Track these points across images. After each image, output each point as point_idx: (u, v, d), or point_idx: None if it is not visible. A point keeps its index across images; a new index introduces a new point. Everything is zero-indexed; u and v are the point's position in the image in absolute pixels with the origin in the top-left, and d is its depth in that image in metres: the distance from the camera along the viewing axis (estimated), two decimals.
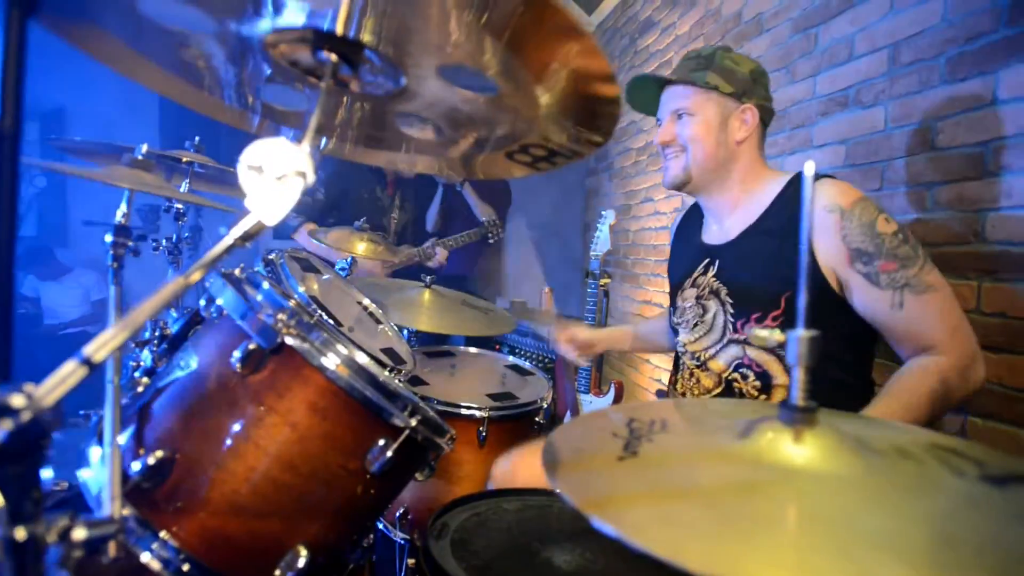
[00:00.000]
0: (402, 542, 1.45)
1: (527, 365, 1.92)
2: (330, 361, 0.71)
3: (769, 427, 0.48)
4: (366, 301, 1.59)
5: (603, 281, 2.38)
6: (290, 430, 0.70)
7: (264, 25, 0.55)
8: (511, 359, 1.94)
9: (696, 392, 1.25)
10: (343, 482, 0.74)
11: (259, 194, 0.52)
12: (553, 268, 4.21)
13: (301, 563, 0.70)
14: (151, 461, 0.69)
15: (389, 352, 1.40)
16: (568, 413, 2.34)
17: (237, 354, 0.70)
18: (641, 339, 1.66)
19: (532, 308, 3.26)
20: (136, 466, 0.70)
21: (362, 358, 0.76)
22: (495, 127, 0.60)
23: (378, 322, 1.56)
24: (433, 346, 2.05)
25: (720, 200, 1.25)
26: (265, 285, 0.78)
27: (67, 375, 0.49)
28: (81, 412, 1.31)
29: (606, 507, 0.40)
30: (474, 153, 0.68)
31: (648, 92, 1.28)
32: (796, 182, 1.15)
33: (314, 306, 1.27)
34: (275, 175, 0.51)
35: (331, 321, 1.27)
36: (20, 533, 0.47)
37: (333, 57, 0.53)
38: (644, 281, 3.03)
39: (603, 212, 2.37)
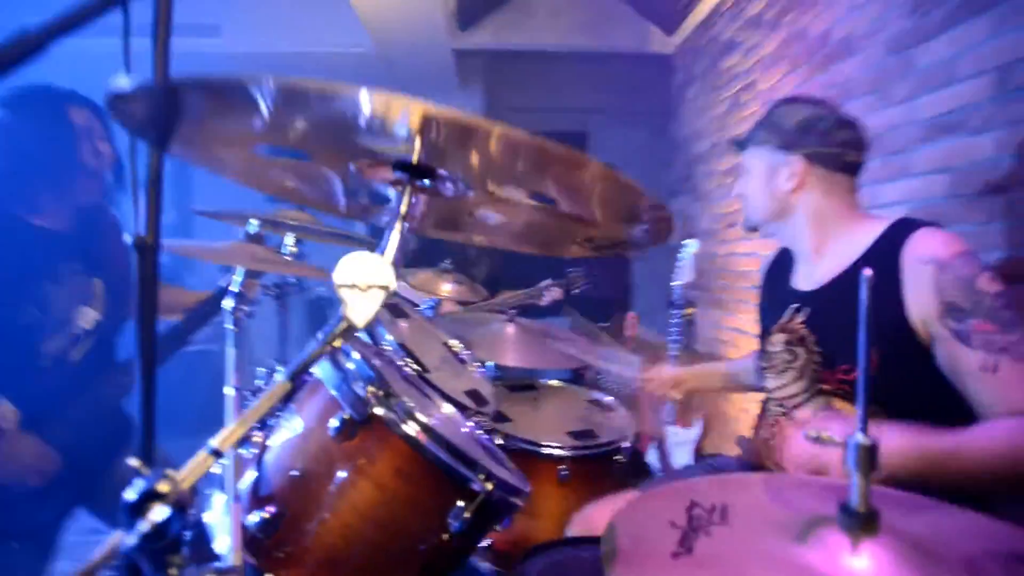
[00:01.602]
0: (487, 572, 1.52)
1: (609, 400, 1.93)
2: (412, 429, 0.78)
3: (827, 532, 0.49)
4: (451, 341, 1.68)
5: (687, 311, 2.35)
6: (379, 493, 0.78)
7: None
8: (593, 393, 1.96)
9: (779, 442, 1.22)
10: (427, 540, 0.80)
11: (351, 302, 0.59)
12: (640, 290, 4.18)
13: None
14: (265, 516, 0.79)
15: (473, 394, 1.47)
16: (652, 446, 2.32)
17: (333, 423, 0.79)
18: (733, 379, 1.64)
19: (595, 330, 3.21)
20: (253, 518, 0.80)
21: (442, 425, 0.83)
22: (557, 225, 0.65)
23: (462, 362, 1.64)
24: (516, 379, 2.11)
25: (801, 246, 1.24)
26: (356, 355, 0.87)
27: (200, 464, 0.59)
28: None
29: None
30: (539, 238, 0.74)
31: None
32: (892, 234, 1.09)
33: (402, 352, 1.36)
34: (364, 286, 0.59)
35: (417, 366, 1.36)
36: None
37: (407, 181, 0.60)
38: (733, 307, 2.94)
39: (685, 241, 2.34)
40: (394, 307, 1.62)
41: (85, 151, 1.51)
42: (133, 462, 0.61)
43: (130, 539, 0.57)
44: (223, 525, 0.85)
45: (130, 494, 0.58)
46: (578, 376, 2.83)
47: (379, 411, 0.79)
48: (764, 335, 1.33)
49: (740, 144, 1.30)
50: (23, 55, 0.59)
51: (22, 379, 1.46)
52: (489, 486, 0.80)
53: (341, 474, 0.79)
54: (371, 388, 0.80)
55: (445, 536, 0.80)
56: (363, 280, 0.58)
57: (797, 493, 0.63)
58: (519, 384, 2.04)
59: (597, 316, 3.85)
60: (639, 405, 2.54)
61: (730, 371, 1.64)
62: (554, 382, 2.06)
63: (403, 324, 1.60)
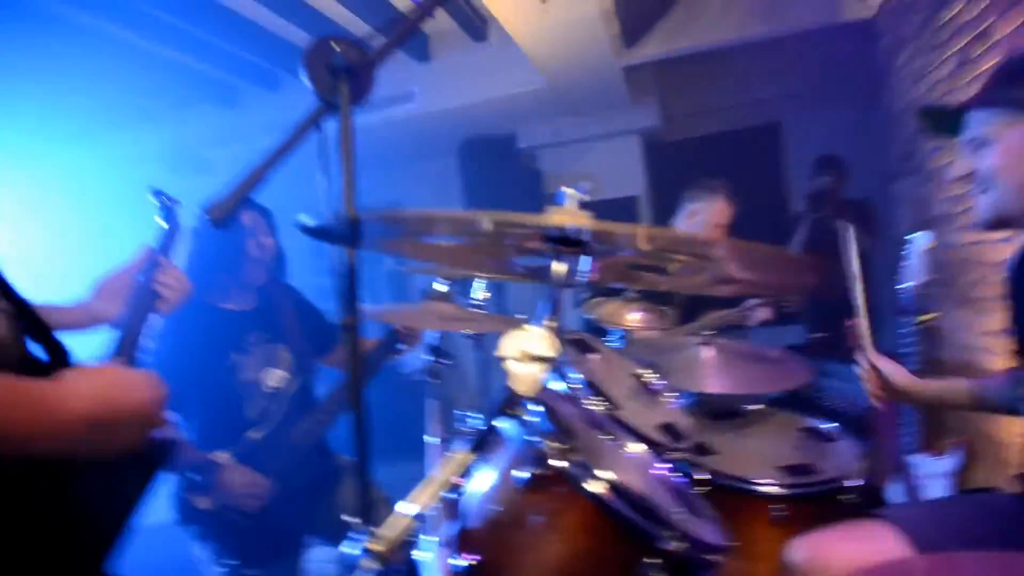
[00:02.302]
0: None
1: (828, 427, 1.71)
2: (596, 486, 0.78)
3: None
4: (642, 371, 1.64)
5: (923, 318, 1.99)
6: (567, 547, 0.80)
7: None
8: (807, 420, 1.76)
9: None
10: None
11: (516, 373, 0.63)
12: (875, 293, 3.64)
13: None
14: (467, 564, 0.86)
15: (667, 428, 1.42)
16: (894, 480, 1.99)
17: (520, 476, 0.83)
18: (983, 403, 1.33)
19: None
20: (457, 563, 0.87)
21: (629, 475, 0.82)
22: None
23: (655, 393, 1.59)
24: (719, 406, 1.98)
25: None
26: (537, 407, 0.90)
27: (405, 524, 0.66)
28: None
29: None
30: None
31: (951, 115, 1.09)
32: None
33: (590, 390, 1.37)
34: (530, 356, 0.62)
35: (605, 403, 1.35)
36: None
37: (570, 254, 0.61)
38: (988, 307, 2.42)
39: (911, 236, 2.00)
40: (581, 342, 1.64)
41: (251, 245, 1.87)
42: (349, 518, 0.72)
43: None
44: (432, 566, 0.93)
45: (349, 550, 0.68)
46: (792, 398, 2.56)
47: (561, 465, 0.81)
48: None
49: (978, 108, 1.03)
50: (252, 187, 0.74)
51: (234, 436, 1.80)
52: (679, 545, 0.76)
53: (532, 526, 0.83)
54: (552, 443, 0.82)
55: None
56: (527, 352, 0.61)
57: None
58: (722, 411, 1.91)
59: (820, 326, 3.44)
60: (873, 429, 2.20)
61: (978, 394, 1.33)
62: (762, 407, 1.89)
63: (592, 359, 1.61)
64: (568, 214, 0.57)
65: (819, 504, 1.42)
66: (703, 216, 2.65)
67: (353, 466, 2.11)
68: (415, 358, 2.01)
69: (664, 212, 3.09)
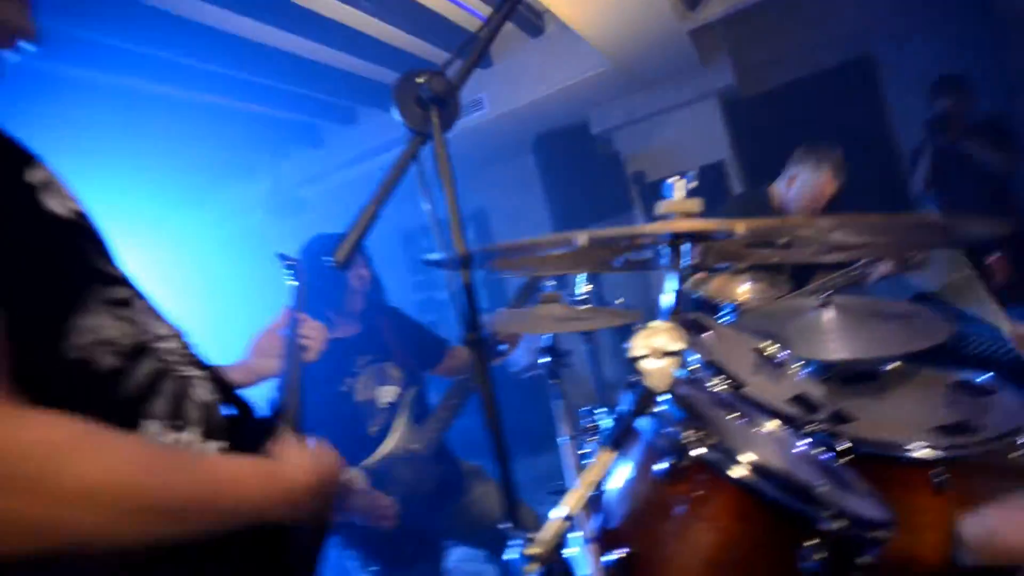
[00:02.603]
0: None
1: (983, 379, 1.56)
2: (739, 471, 0.77)
3: None
4: (761, 344, 1.57)
5: None
6: (717, 535, 0.79)
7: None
8: (957, 374, 1.61)
9: None
10: None
11: (649, 371, 0.63)
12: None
13: None
14: (616, 557, 0.87)
15: (800, 400, 1.35)
16: None
17: (658, 467, 0.83)
18: None
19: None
20: (606, 559, 0.89)
21: (772, 454, 0.79)
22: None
23: (780, 365, 1.52)
24: (848, 367, 1.85)
25: None
26: (668, 397, 0.89)
27: (557, 528, 0.69)
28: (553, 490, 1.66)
29: None
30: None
31: None
32: None
33: (711, 370, 1.33)
34: (661, 352, 0.62)
35: (729, 382, 1.31)
36: None
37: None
38: None
39: None
40: (694, 323, 1.60)
41: (353, 278, 2.02)
42: (507, 525, 0.75)
43: None
44: (585, 563, 0.95)
45: (510, 554, 0.71)
46: (933, 351, 2.34)
47: (697, 453, 0.80)
48: None
49: None
50: (367, 227, 0.79)
51: (362, 454, 1.90)
52: (838, 524, 0.73)
53: (678, 517, 0.82)
54: (686, 431, 0.81)
55: None
56: (657, 348, 0.61)
57: None
58: (854, 373, 1.79)
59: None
60: None
61: None
62: (899, 365, 1.74)
63: (707, 338, 1.57)
64: (677, 205, 0.57)
65: (986, 465, 1.30)
66: (805, 186, 2.51)
67: (476, 471, 2.18)
68: (518, 358, 2.05)
69: (755, 172, 2.94)
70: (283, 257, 1.26)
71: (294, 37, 3.08)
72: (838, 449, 1.37)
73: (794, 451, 1.01)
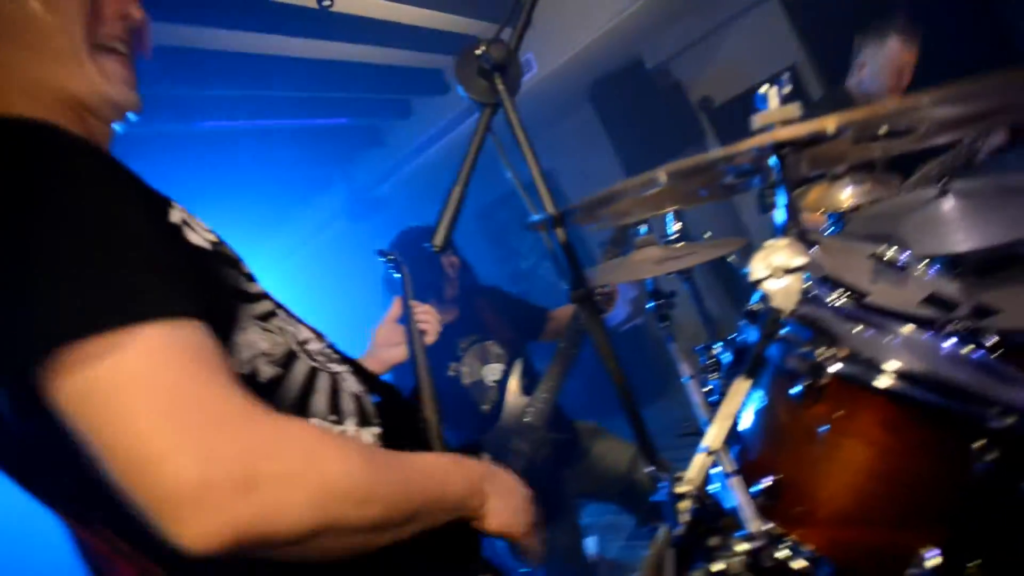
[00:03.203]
0: None
1: None
2: (885, 380, 0.73)
3: None
4: (880, 248, 1.46)
5: None
6: (870, 448, 0.75)
7: None
8: None
9: None
10: (948, 489, 0.73)
11: (774, 292, 0.61)
12: None
13: (928, 565, 0.73)
14: (763, 486, 0.85)
15: (932, 300, 1.26)
16: None
17: (794, 390, 0.80)
18: None
19: None
20: (753, 490, 0.88)
21: (916, 359, 0.75)
22: None
23: (902, 268, 1.41)
24: (981, 256, 1.69)
25: None
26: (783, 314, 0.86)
27: (702, 464, 0.69)
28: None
29: None
30: None
31: None
32: None
33: (828, 286, 1.26)
34: (783, 270, 0.59)
35: (850, 294, 1.23)
36: (717, 566, 0.69)
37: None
38: None
39: None
40: (800, 238, 1.51)
41: (445, 265, 2.09)
42: (650, 470, 0.76)
43: (675, 533, 0.70)
44: (732, 496, 0.95)
45: (659, 496, 0.72)
46: None
47: (836, 370, 0.77)
48: None
49: None
50: (457, 209, 0.81)
51: (477, 434, 1.97)
52: (1008, 420, 0.68)
53: (823, 437, 0.79)
54: (816, 349, 0.78)
55: (972, 483, 0.71)
56: (777, 267, 0.58)
57: None
58: (991, 263, 1.62)
59: None
60: None
61: None
62: None
63: (817, 253, 1.48)
64: (775, 115, 0.53)
65: None
66: (877, 67, 2.28)
67: (593, 429, 2.18)
68: (616, 313, 2.03)
69: (836, 70, 2.71)
70: (383, 253, 1.32)
71: (337, 44, 3.16)
72: (987, 345, 1.26)
73: (940, 353, 0.94)
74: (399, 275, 1.26)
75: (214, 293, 0.66)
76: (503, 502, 0.77)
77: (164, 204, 0.67)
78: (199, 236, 0.69)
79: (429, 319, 1.27)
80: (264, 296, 0.76)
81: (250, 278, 0.75)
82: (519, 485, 0.84)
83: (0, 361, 0.52)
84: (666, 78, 4.63)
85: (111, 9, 0.69)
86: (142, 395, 0.49)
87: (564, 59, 3.87)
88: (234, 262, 0.73)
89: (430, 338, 1.26)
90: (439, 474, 0.71)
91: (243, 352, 0.66)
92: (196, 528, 0.48)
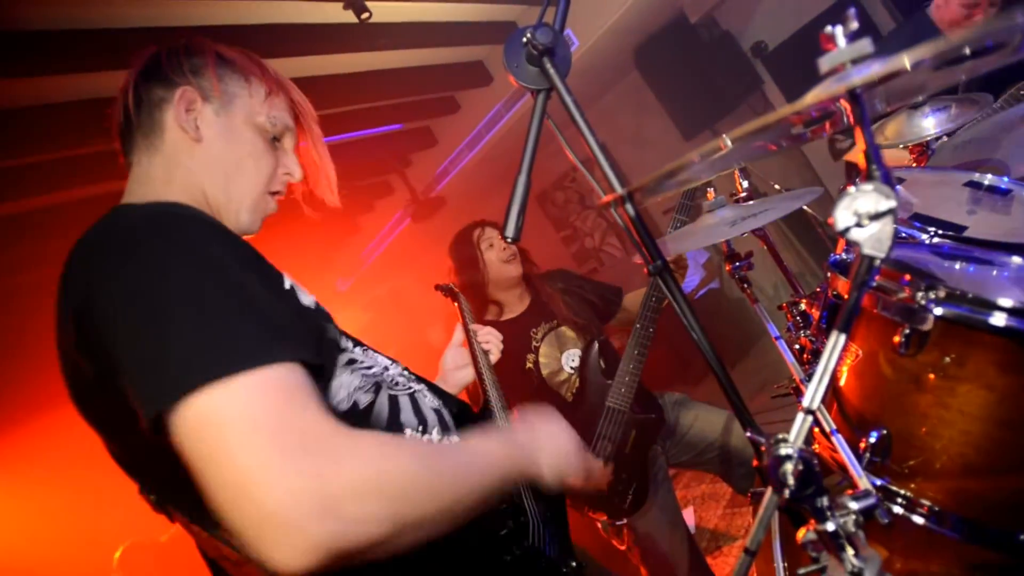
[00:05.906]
0: None
1: None
2: (999, 319, 0.68)
3: None
4: (975, 176, 1.36)
5: None
6: (988, 392, 0.71)
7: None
8: None
9: None
10: None
11: (863, 240, 0.58)
12: None
13: None
14: (871, 440, 0.82)
15: None
16: None
17: (897, 339, 0.76)
18: None
19: None
20: (862, 445, 0.84)
21: None
22: None
23: (1004, 194, 1.30)
24: None
25: None
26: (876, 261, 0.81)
27: (802, 424, 0.67)
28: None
29: None
30: None
31: None
32: None
33: (921, 223, 1.18)
34: (870, 216, 0.56)
35: (947, 231, 1.15)
36: (829, 526, 0.67)
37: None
38: None
39: None
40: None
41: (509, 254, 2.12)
42: (748, 434, 0.74)
43: (782, 496, 0.69)
44: (837, 457, 0.91)
45: (762, 460, 0.71)
46: None
47: (941, 312, 0.72)
48: None
49: None
50: (525, 197, 0.82)
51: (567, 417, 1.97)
52: None
53: (933, 385, 0.75)
54: (916, 293, 0.74)
55: None
56: (863, 213, 0.55)
57: None
58: None
59: None
60: None
61: None
62: None
63: (904, 191, 1.39)
64: (847, 54, 0.50)
65: None
66: None
67: (680, 401, 2.12)
68: (690, 280, 1.97)
69: None
70: (441, 287, 1.43)
71: (376, 54, 3.22)
72: None
73: None
74: (456, 302, 1.34)
75: (322, 342, 0.78)
76: (552, 457, 0.87)
77: (279, 274, 0.80)
78: (305, 297, 0.82)
79: (491, 339, 1.35)
80: (351, 339, 0.89)
81: (339, 330, 0.87)
82: (561, 431, 0.92)
83: (142, 397, 0.61)
84: (713, 29, 4.42)
85: (282, 170, 0.95)
86: (240, 432, 0.56)
87: (604, 28, 3.78)
88: (329, 317, 0.86)
89: (495, 356, 1.33)
90: (491, 454, 0.78)
91: (340, 392, 0.79)
92: (288, 551, 0.54)
